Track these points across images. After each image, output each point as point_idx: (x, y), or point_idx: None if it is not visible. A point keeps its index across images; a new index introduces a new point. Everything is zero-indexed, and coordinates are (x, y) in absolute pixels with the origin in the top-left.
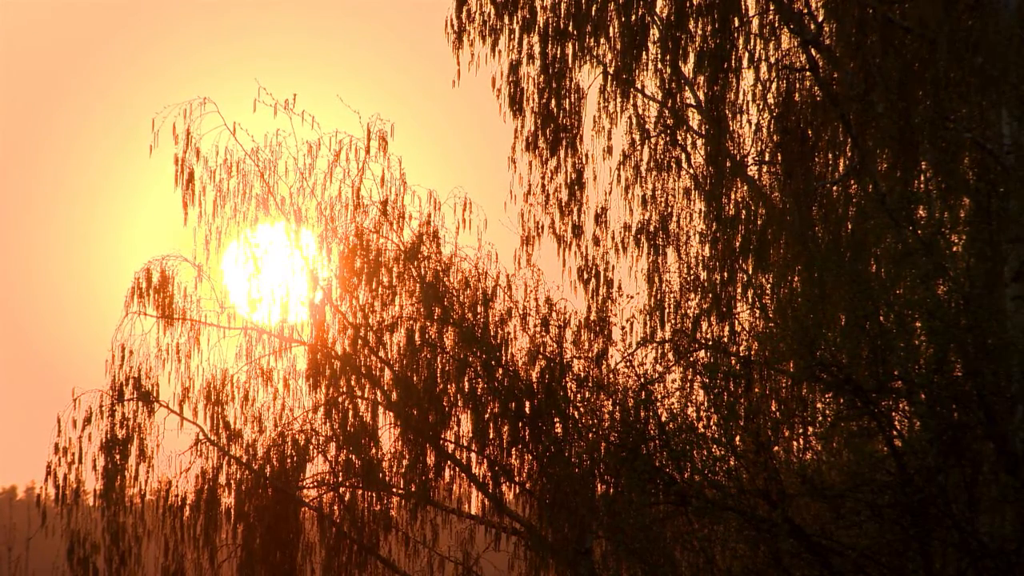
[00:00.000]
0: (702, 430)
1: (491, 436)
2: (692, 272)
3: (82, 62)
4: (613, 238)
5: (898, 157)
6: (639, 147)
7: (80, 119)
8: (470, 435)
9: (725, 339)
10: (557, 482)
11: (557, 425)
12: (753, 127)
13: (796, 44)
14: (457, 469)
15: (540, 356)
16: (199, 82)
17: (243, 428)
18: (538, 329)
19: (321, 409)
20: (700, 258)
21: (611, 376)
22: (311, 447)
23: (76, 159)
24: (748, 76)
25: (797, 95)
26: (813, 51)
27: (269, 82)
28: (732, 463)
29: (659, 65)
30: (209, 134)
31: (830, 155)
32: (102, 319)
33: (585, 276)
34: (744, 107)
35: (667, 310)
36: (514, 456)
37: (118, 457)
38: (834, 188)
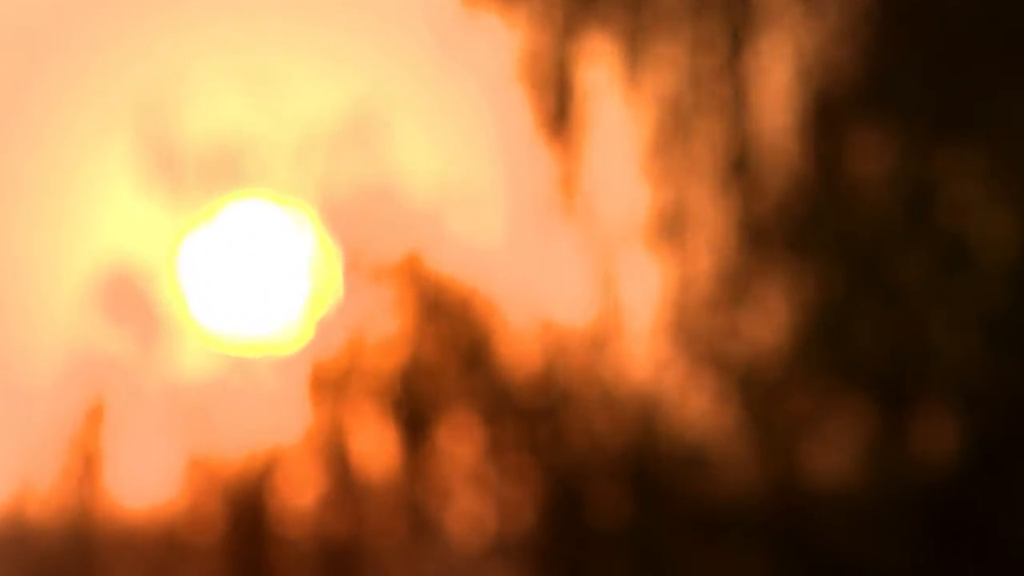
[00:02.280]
0: (725, 445)
1: (493, 461)
2: (719, 263)
3: (56, 45)
4: (630, 226)
5: (934, 144)
6: (660, 125)
7: (50, 105)
8: (470, 460)
9: (755, 340)
10: (564, 507)
11: (566, 444)
12: (787, 111)
13: (829, 32)
14: (456, 497)
15: (548, 370)
16: (180, 66)
17: (221, 451)
18: (545, 340)
19: (309, 430)
20: (726, 248)
21: (625, 387)
22: (295, 472)
23: (45, 148)
24: (779, 60)
25: (832, 82)
26: (849, 36)
27: (258, 69)
28: (756, 482)
29: (682, 41)
30: (186, 118)
31: (869, 143)
32: (65, 327)
33: (597, 269)
34: (775, 92)
35: (690, 307)
36: (517, 482)
37: (81, 484)
38: (872, 178)
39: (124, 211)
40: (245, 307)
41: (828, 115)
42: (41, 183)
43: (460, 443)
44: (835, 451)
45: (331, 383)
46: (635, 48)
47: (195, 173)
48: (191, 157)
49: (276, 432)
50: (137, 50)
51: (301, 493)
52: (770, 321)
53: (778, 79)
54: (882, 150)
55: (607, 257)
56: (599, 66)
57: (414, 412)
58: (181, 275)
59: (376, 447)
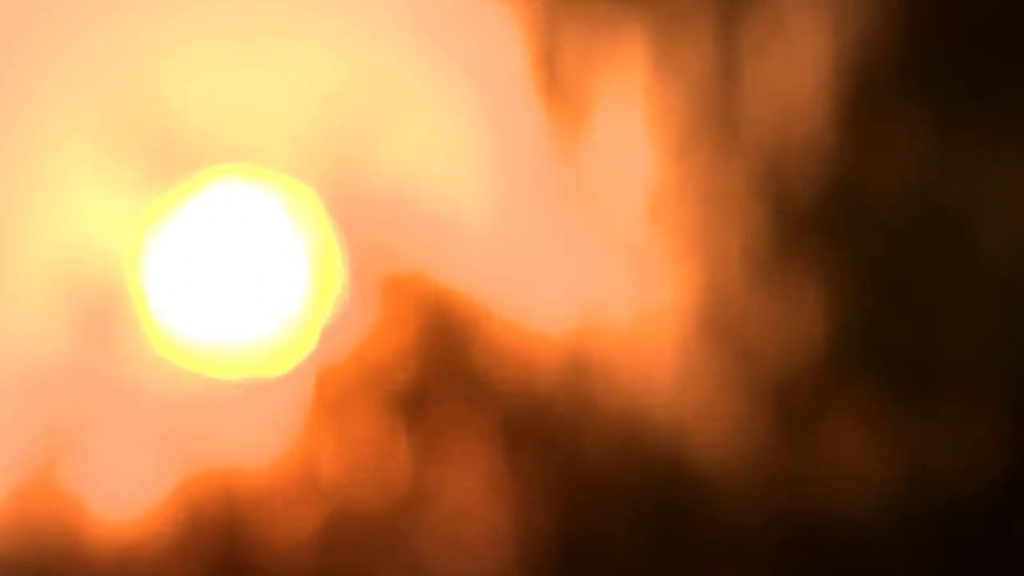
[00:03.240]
0: (755, 463)
1: (508, 485)
2: (751, 261)
3: (25, 21)
4: (654, 227)
5: (979, 135)
6: (688, 118)
7: (19, 92)
8: (484, 485)
9: (790, 344)
10: (580, 535)
11: (584, 465)
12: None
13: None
14: (468, 525)
15: (565, 386)
16: (156, 37)
17: (204, 477)
18: (562, 353)
19: (300, 454)
20: (759, 245)
21: (648, 400)
22: (288, 500)
23: (14, 136)
24: (816, 48)
25: (872, 71)
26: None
27: (247, 42)
28: (788, 502)
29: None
30: (168, 94)
31: (911, 134)
32: (23, 336)
33: (617, 276)
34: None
35: (720, 311)
36: (533, 508)
37: (42, 514)
38: (915, 170)
39: (93, 204)
40: (233, 314)
41: (868, 105)
42: (6, 173)
43: (473, 468)
44: (874, 467)
45: (330, 403)
46: (663, 34)
47: (179, 160)
48: (173, 139)
49: (266, 456)
50: (104, 20)
51: (295, 525)
52: (807, 324)
53: (815, 68)
54: (925, 141)
55: (628, 262)
56: (622, 58)
57: (422, 435)
58: (158, 277)
59: (378, 473)
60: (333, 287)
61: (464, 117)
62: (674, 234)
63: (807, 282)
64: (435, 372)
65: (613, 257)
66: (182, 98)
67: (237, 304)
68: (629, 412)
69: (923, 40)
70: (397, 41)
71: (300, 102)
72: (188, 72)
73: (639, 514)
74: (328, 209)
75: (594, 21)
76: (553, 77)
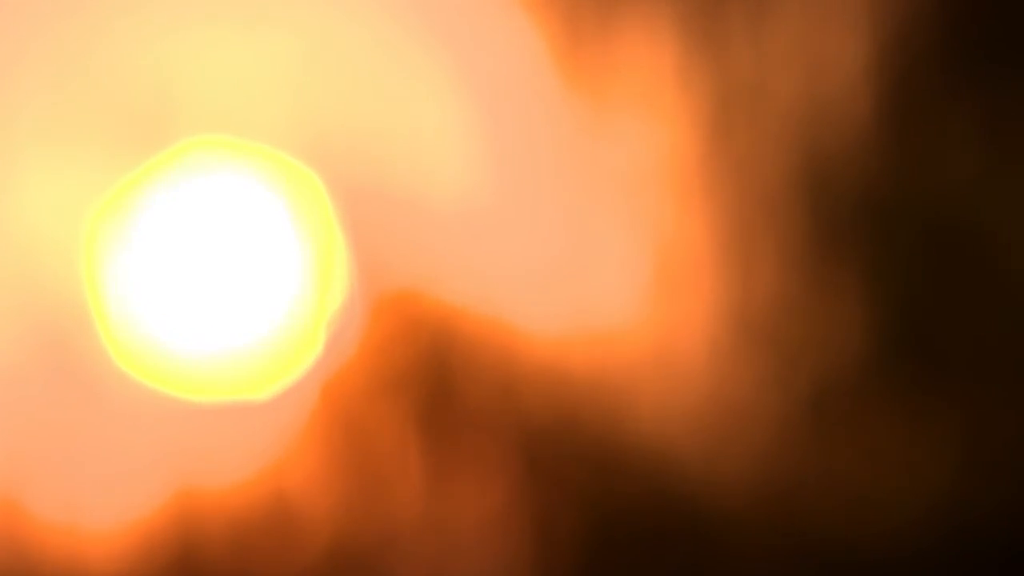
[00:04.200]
0: (791, 484)
1: (522, 509)
2: (786, 267)
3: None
4: (685, 229)
5: None
6: (720, 113)
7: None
8: (495, 511)
9: (829, 352)
10: (600, 561)
11: (597, 499)
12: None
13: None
14: (477, 553)
15: (581, 414)
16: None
17: (190, 511)
18: (581, 365)
19: (294, 480)
20: (796, 248)
21: (676, 415)
22: (275, 536)
23: None
24: (854, 38)
25: (915, 62)
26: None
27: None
28: (830, 528)
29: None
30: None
31: (956, 127)
32: None
33: (644, 286)
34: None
35: (755, 317)
36: (550, 532)
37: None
38: (961, 163)
39: (47, 191)
40: (214, 324)
41: (911, 96)
42: None
43: (485, 493)
44: (921, 483)
45: (325, 424)
46: (696, 15)
47: (145, 135)
48: (136, 110)
49: (252, 481)
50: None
51: (287, 559)
52: (847, 331)
53: (856, 55)
54: (970, 135)
55: (654, 265)
56: (651, 41)
57: (428, 461)
58: (122, 279)
59: (380, 502)
60: (334, 294)
61: (476, 107)
62: (706, 234)
63: (848, 283)
64: (442, 393)
65: (638, 260)
66: (152, 65)
67: (218, 311)
68: (653, 431)
69: (971, 29)
70: (400, 17)
71: (287, 70)
72: (163, 37)
73: (663, 545)
74: (330, 198)
75: None
76: (574, 61)
